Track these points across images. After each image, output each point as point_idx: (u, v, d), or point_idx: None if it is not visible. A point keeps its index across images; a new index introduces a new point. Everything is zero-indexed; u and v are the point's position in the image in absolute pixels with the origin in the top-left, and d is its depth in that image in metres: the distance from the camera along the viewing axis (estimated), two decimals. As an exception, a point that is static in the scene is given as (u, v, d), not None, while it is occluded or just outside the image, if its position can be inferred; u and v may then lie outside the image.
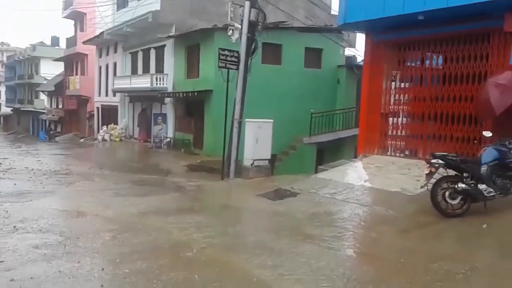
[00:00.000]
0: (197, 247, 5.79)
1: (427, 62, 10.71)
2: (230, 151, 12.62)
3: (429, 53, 10.56)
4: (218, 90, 15.94)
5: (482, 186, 6.74)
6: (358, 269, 5.30)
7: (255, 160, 12.00)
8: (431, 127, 10.22)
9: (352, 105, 19.51)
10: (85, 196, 9.63)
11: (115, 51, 29.85)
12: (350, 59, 22.02)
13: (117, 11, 27.53)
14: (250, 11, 12.41)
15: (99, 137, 28.15)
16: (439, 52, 10.29)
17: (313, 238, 6.26)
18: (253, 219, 8.17)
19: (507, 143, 7.05)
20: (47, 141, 35.65)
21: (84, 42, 32.86)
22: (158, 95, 23.10)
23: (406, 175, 9.17)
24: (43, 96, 49.33)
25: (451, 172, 7.00)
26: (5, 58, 69.09)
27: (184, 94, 20.87)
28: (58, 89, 42.03)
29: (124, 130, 27.95)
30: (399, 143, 11.07)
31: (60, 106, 43.12)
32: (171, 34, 22.41)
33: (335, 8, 20.27)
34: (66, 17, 39.46)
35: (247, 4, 12.40)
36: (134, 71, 27.07)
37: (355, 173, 10.34)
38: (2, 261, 5.11)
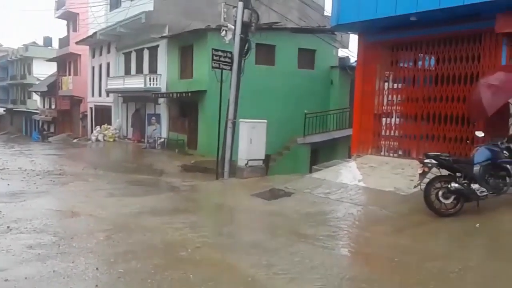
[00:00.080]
0: (191, 247, 5.80)
1: (420, 63, 10.77)
2: (224, 151, 12.64)
3: (422, 54, 10.62)
4: (212, 91, 15.94)
5: (475, 186, 6.80)
6: (352, 268, 5.34)
7: (249, 160, 12.02)
8: (424, 127, 10.28)
9: (345, 106, 19.59)
10: (79, 196, 9.61)
11: (108, 52, 29.75)
12: (343, 60, 22.10)
13: (110, 11, 27.44)
14: (243, 12, 12.43)
15: (93, 138, 28.04)
16: (431, 53, 10.36)
17: (308, 237, 6.29)
18: (247, 218, 8.18)
19: (499, 143, 7.12)
20: (40, 142, 35.46)
21: (77, 43, 32.69)
22: (152, 95, 23.06)
23: (400, 175, 9.23)
24: (36, 97, 49.04)
25: (444, 172, 7.05)
26: (-3, 58, 68.55)
27: (178, 95, 20.85)
28: (51, 89, 41.79)
29: (117, 131, 27.86)
30: (392, 143, 11.12)
31: (53, 107, 42.89)
32: (164, 34, 22.37)
33: (328, 9, 20.36)
34: (58, 17, 39.22)
35: (240, 4, 12.42)
36: (127, 72, 26.99)
37: (349, 173, 10.38)
38: (-4, 262, 5.10)
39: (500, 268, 4.99)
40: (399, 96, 11.11)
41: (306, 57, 21.55)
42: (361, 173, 10.16)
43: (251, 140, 12.00)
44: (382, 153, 11.17)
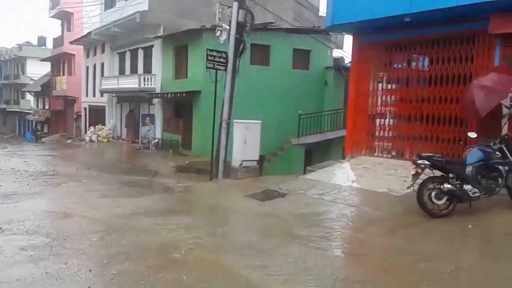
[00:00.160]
0: (185, 248, 5.79)
1: (414, 63, 10.81)
2: (218, 152, 12.63)
3: (416, 55, 10.66)
4: (207, 91, 15.93)
5: (467, 187, 6.83)
6: (346, 269, 5.34)
7: (244, 161, 12.02)
8: (417, 128, 10.32)
9: (340, 106, 19.64)
10: (72, 197, 9.57)
11: (103, 51, 29.67)
12: (338, 61, 22.15)
13: (104, 11, 27.38)
14: (238, 12, 12.44)
15: (87, 138, 27.95)
16: (425, 54, 10.40)
17: (301, 238, 6.29)
18: (241, 219, 8.17)
19: (491, 144, 7.16)
20: (34, 142, 35.27)
21: (71, 42, 32.61)
22: (146, 95, 23.01)
23: (393, 176, 9.26)
24: (29, 97, 48.84)
25: (437, 173, 7.09)
26: (-10, 58, 68.17)
27: (172, 95, 20.82)
28: (45, 89, 41.63)
29: (111, 131, 27.79)
30: (386, 144, 11.16)
31: (47, 107, 42.73)
32: (159, 34, 22.35)
33: (323, 10, 20.41)
34: (53, 16, 39.09)
35: (235, 5, 12.42)
36: (121, 72, 26.93)
37: (343, 174, 10.40)
38: (-13, 263, 5.07)
39: (493, 268, 5.02)
40: (393, 97, 11.14)
41: (301, 58, 21.60)
42: (355, 174, 10.19)
43: (245, 141, 12.00)
44: (376, 154, 11.21)
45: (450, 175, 6.97)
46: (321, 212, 7.90)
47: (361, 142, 11.44)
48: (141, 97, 23.74)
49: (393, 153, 10.91)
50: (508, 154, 7.12)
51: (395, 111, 11.06)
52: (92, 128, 28.51)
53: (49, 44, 44.75)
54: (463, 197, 6.84)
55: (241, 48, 12.88)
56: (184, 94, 19.70)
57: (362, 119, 11.46)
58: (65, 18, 37.35)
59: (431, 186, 6.86)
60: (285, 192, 9.41)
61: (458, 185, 6.84)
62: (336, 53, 23.15)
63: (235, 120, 12.49)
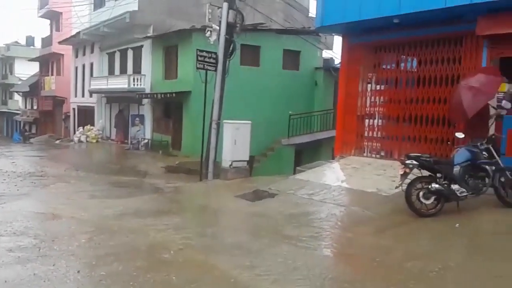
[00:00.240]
0: (174, 249, 5.78)
1: (402, 64, 10.89)
2: (208, 153, 12.62)
3: (404, 56, 10.74)
4: (197, 91, 15.92)
5: (455, 186, 6.90)
6: (335, 269, 5.37)
7: (234, 161, 12.02)
8: (406, 128, 10.40)
9: (329, 107, 19.73)
10: (61, 198, 9.51)
11: (92, 51, 29.47)
12: (328, 61, 22.23)
13: (93, 11, 27.24)
14: (228, 13, 12.44)
15: (75, 139, 27.74)
16: (413, 55, 10.48)
17: (291, 238, 6.31)
18: (231, 220, 8.18)
19: (478, 144, 7.25)
20: (22, 143, 34.93)
21: (60, 42, 32.36)
22: (136, 96, 22.89)
23: (382, 176, 9.32)
24: (17, 97, 48.35)
25: (425, 173, 7.14)
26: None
27: (162, 95, 20.76)
28: (33, 89, 41.24)
29: (100, 132, 27.62)
30: (375, 144, 11.22)
31: (35, 107, 42.33)
32: (148, 34, 22.26)
33: (312, 11, 20.48)
34: (41, 16, 38.75)
35: (225, 5, 12.42)
36: (111, 72, 26.77)
37: (332, 174, 10.45)
38: (-26, 265, 5.02)
39: (479, 267, 5.08)
40: (381, 97, 11.22)
41: (291, 58, 21.65)
42: (344, 174, 10.24)
43: (235, 141, 12.00)
44: (365, 154, 11.27)
45: (438, 175, 7.04)
46: (311, 212, 7.92)
47: (351, 143, 11.50)
48: (131, 97, 23.61)
49: (382, 153, 10.98)
50: (495, 154, 7.22)
51: (384, 111, 11.13)
52: (81, 129, 28.30)
53: (38, 44, 44.42)
54: (450, 197, 6.90)
55: (231, 48, 12.88)
56: (174, 95, 19.64)
57: (351, 120, 11.52)
58: (54, 18, 37.04)
59: (419, 186, 6.91)
60: (275, 192, 9.43)
61: (445, 185, 6.90)
62: (326, 54, 23.28)
63: (225, 121, 12.48)
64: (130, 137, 23.70)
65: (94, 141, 26.71)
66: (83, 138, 27.04)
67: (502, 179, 7.10)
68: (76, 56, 32.36)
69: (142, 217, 7.69)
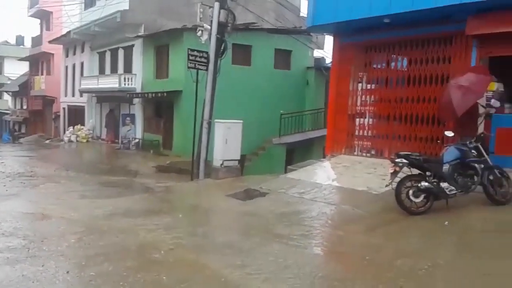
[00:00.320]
0: (165, 248, 5.76)
1: (393, 64, 10.95)
2: (199, 152, 12.59)
3: (395, 55, 10.80)
4: (188, 91, 15.88)
5: (444, 185, 6.95)
6: (325, 267, 5.38)
7: (225, 160, 12.01)
8: (396, 127, 10.45)
9: (320, 106, 19.77)
10: (50, 199, 9.44)
11: (82, 51, 29.30)
12: (319, 61, 22.29)
13: (84, 10, 27.07)
14: (219, 12, 12.42)
15: (65, 138, 27.56)
16: (404, 54, 10.54)
17: (282, 237, 6.31)
18: (222, 219, 8.17)
19: (468, 142, 7.31)
20: (11, 143, 34.61)
21: (50, 42, 32.12)
22: (127, 95, 22.80)
23: (372, 174, 9.36)
24: (7, 97, 47.90)
25: (415, 171, 7.18)
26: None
27: (153, 95, 20.69)
28: (23, 89, 40.90)
29: (91, 131, 27.48)
30: (365, 143, 11.27)
31: (25, 107, 42.00)
32: (139, 34, 22.17)
33: (304, 11, 20.50)
34: (31, 15, 38.46)
35: (217, 5, 12.40)
36: (101, 71, 26.64)
37: (323, 173, 10.48)
38: (-38, 266, 4.97)
39: (468, 264, 5.12)
40: (372, 96, 11.27)
41: (282, 58, 21.68)
42: (335, 173, 10.28)
43: (226, 141, 12.00)
44: (356, 153, 11.32)
45: (427, 173, 7.08)
46: (302, 211, 7.94)
47: (341, 141, 11.54)
48: (122, 97, 23.51)
49: (372, 152, 11.03)
50: (484, 153, 7.29)
51: (374, 110, 11.18)
52: (71, 128, 28.11)
53: (28, 43, 44.02)
54: (440, 195, 6.95)
55: (222, 48, 12.87)
56: (165, 94, 19.59)
57: (342, 119, 11.56)
58: (44, 17, 36.77)
59: (409, 184, 6.95)
60: (266, 191, 9.43)
61: (435, 183, 6.95)
62: (317, 53, 23.35)
63: (216, 120, 12.47)
64: (121, 137, 23.60)
65: (84, 141, 26.56)
66: (73, 138, 26.87)
67: (491, 177, 7.15)
68: (67, 56, 32.14)
69: (132, 217, 7.65)
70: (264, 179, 10.75)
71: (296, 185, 9.56)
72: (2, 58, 49.69)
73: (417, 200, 6.91)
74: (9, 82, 47.01)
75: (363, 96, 11.38)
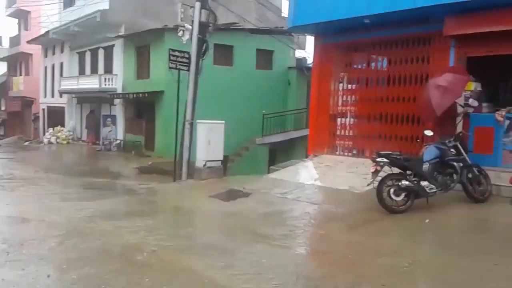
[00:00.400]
0: (148, 250, 5.72)
1: (373, 64, 11.06)
2: (182, 153, 12.53)
3: (375, 56, 10.92)
4: (170, 91, 15.80)
5: (424, 183, 7.06)
6: (308, 266, 5.43)
7: (208, 161, 11.96)
8: (376, 127, 10.57)
9: (303, 106, 19.87)
10: (30, 201, 9.30)
11: (62, 51, 28.90)
12: (301, 61, 22.41)
13: (63, 9, 26.72)
14: (200, 12, 12.36)
15: (45, 140, 27.14)
16: (384, 54, 10.66)
17: (265, 237, 6.34)
18: (205, 220, 8.16)
19: (447, 141, 7.44)
20: (-11, 145, 33.96)
21: (28, 42, 31.66)
22: (107, 96, 22.58)
23: (354, 174, 9.45)
24: (-16, 98, 46.95)
25: (396, 170, 7.27)
26: None
27: (135, 95, 20.54)
28: (1, 90, 40.23)
29: (71, 133, 27.13)
30: (347, 142, 11.36)
31: (3, 108, 41.29)
32: (120, 34, 21.96)
33: (285, 11, 20.57)
34: (9, 15, 37.83)
35: (198, 5, 12.35)
36: (81, 72, 26.32)
37: (306, 173, 10.54)
38: None
39: (448, 261, 5.20)
40: (353, 96, 11.37)
41: (264, 58, 21.74)
42: (317, 173, 10.34)
43: (209, 141, 11.95)
44: (338, 153, 11.40)
45: (408, 172, 7.18)
46: (285, 211, 7.98)
47: (323, 141, 11.61)
48: (102, 97, 23.26)
49: (354, 152, 11.13)
50: (463, 151, 7.43)
51: (355, 110, 11.29)
52: (50, 130, 27.68)
53: (5, 43, 43.16)
54: (420, 193, 7.05)
55: (204, 48, 12.80)
56: (146, 95, 19.46)
57: (324, 119, 11.63)
58: (22, 16, 36.19)
59: (389, 183, 7.03)
60: (249, 191, 9.45)
61: (415, 182, 7.05)
62: (299, 53, 23.46)
63: (198, 121, 12.42)
64: (102, 138, 23.33)
65: (65, 142, 26.21)
66: (53, 140, 26.48)
67: (470, 175, 7.31)
68: (46, 56, 31.67)
69: (115, 219, 7.57)
70: (247, 180, 10.76)
71: (279, 185, 9.60)
72: (-21, 58, 48.67)
73: (398, 199, 7.01)
74: (-14, 83, 46.07)
75: (344, 96, 11.48)
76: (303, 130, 17.89)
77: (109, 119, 23.33)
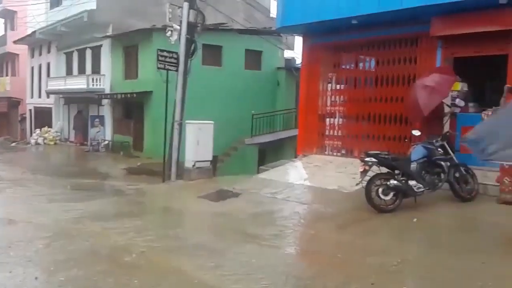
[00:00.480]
0: (136, 251, 5.69)
1: (361, 64, 11.13)
2: (171, 153, 12.48)
3: (363, 56, 10.99)
4: (158, 91, 15.73)
5: (412, 182, 7.12)
6: (298, 266, 5.44)
7: (197, 161, 11.93)
8: (365, 127, 10.64)
9: (291, 106, 19.93)
10: (17, 203, 9.20)
11: (49, 51, 28.60)
12: (289, 61, 22.44)
13: (50, 9, 26.47)
14: (189, 12, 12.34)
15: (32, 141, 26.84)
16: (372, 55, 10.74)
17: (255, 237, 6.34)
18: (194, 221, 8.13)
19: (434, 141, 7.52)
20: (-26, 146, 33.53)
21: (15, 42, 31.32)
22: (95, 96, 22.41)
23: (343, 173, 9.50)
24: (-31, 98, 46.32)
25: (384, 170, 7.33)
26: None
27: (123, 96, 20.42)
28: (-14, 91, 39.64)
29: (59, 133, 26.87)
30: (336, 142, 11.42)
31: (-11, 109, 40.69)
32: (108, 34, 21.81)
33: (273, 12, 20.61)
34: (-6, 15, 37.36)
35: (186, 5, 12.31)
36: (69, 72, 26.08)
37: (295, 173, 10.57)
38: None
39: (436, 260, 5.24)
40: (341, 97, 11.43)
41: (253, 58, 21.74)
42: (307, 173, 10.37)
43: (198, 142, 11.92)
44: (326, 153, 11.45)
45: (396, 171, 7.24)
46: (274, 211, 7.99)
47: (312, 141, 11.66)
48: (90, 98, 23.08)
49: (343, 151, 11.18)
50: (450, 151, 7.51)
51: (344, 110, 11.35)
52: (38, 131, 27.38)
53: (-9, 43, 42.67)
54: (408, 192, 7.11)
55: (192, 48, 12.77)
56: (135, 95, 19.35)
57: (313, 119, 11.68)
58: (8, 16, 35.77)
59: (378, 182, 7.08)
60: (239, 192, 9.44)
61: (403, 181, 7.11)
62: (288, 54, 23.49)
63: (187, 121, 12.38)
64: (90, 139, 23.14)
65: (52, 143, 25.95)
66: (40, 140, 26.20)
67: (457, 175, 7.39)
68: (32, 56, 31.34)
69: (103, 220, 7.51)
70: (237, 180, 10.75)
71: (268, 185, 9.61)
72: (-36, 58, 48.03)
73: (387, 198, 7.06)
74: (-29, 83, 45.47)
75: (333, 96, 11.53)
76: (292, 130, 17.92)
77: (97, 119, 23.16)
